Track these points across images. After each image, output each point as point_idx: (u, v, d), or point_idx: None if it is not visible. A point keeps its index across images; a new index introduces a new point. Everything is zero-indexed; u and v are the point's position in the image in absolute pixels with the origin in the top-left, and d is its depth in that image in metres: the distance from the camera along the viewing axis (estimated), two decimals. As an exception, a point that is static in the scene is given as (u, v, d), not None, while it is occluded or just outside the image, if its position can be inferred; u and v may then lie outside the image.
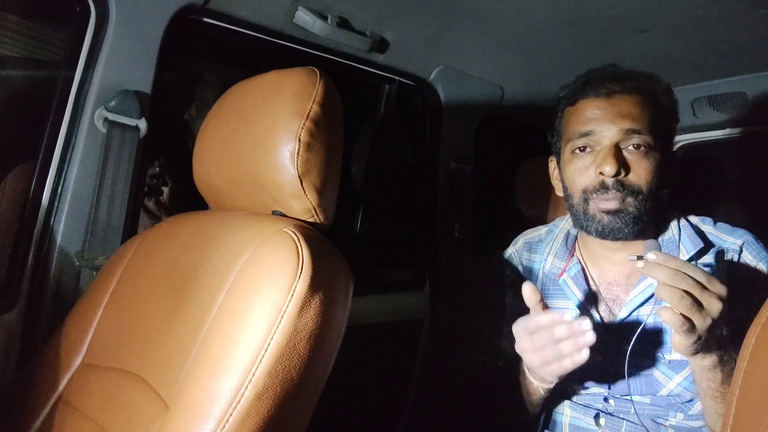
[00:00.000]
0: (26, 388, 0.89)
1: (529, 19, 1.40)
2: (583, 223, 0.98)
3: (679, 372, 0.92)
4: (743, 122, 1.81)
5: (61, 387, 0.87)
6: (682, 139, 2.02)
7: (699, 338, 0.75)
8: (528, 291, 0.83)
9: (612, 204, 0.93)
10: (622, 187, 0.93)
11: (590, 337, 0.78)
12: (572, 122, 1.00)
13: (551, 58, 1.63)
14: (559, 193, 1.09)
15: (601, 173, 0.93)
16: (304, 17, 1.29)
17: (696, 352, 0.78)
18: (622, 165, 0.92)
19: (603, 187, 0.93)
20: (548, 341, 0.81)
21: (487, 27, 1.46)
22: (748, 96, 1.71)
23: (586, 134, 0.96)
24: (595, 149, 0.96)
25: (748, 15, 1.30)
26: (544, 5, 1.31)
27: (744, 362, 0.53)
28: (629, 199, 0.93)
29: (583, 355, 0.79)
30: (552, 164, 1.12)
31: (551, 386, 0.91)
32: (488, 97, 1.79)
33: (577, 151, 0.98)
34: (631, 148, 0.94)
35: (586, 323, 0.79)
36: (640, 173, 0.93)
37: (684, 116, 1.87)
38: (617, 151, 0.93)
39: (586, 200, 0.96)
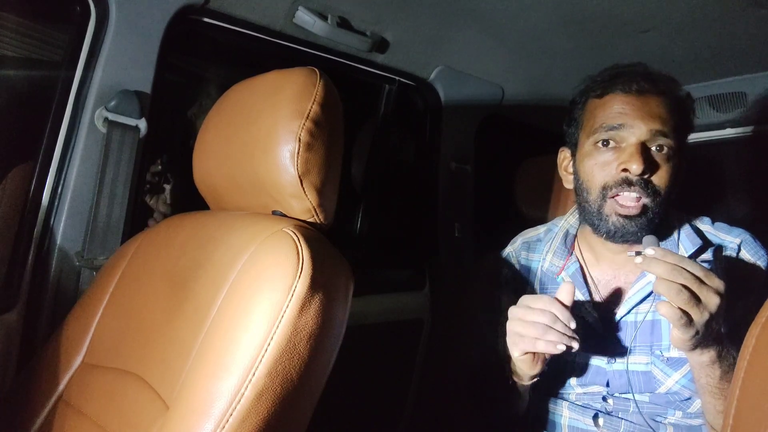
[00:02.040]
0: (26, 388, 0.89)
1: (530, 19, 1.40)
2: (594, 221, 0.97)
3: (677, 369, 0.93)
4: (743, 122, 1.81)
5: (61, 387, 0.87)
6: (682, 139, 2.02)
7: (697, 333, 0.75)
8: (565, 288, 0.85)
9: (632, 210, 0.92)
10: (646, 186, 0.92)
11: (575, 345, 0.80)
12: (599, 114, 0.98)
13: (552, 57, 1.63)
14: (568, 185, 1.07)
15: (625, 170, 0.92)
16: (304, 17, 1.29)
17: (694, 348, 0.79)
18: (649, 165, 0.91)
19: (626, 182, 0.92)
20: (541, 321, 0.81)
21: (487, 27, 1.46)
22: (749, 96, 1.71)
23: (614, 128, 0.94)
24: (620, 145, 0.94)
25: (748, 15, 1.30)
26: (545, 5, 1.31)
27: (744, 362, 0.53)
28: (648, 201, 0.92)
29: (559, 348, 0.81)
30: (563, 155, 1.09)
31: (527, 383, 0.92)
32: (489, 97, 1.79)
33: (600, 144, 0.96)
34: (654, 149, 0.93)
35: (576, 344, 0.81)
36: (663, 176, 0.93)
37: (684, 116, 1.87)
38: (645, 150, 0.92)
39: (604, 197, 0.95)
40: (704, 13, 1.30)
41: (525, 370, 0.88)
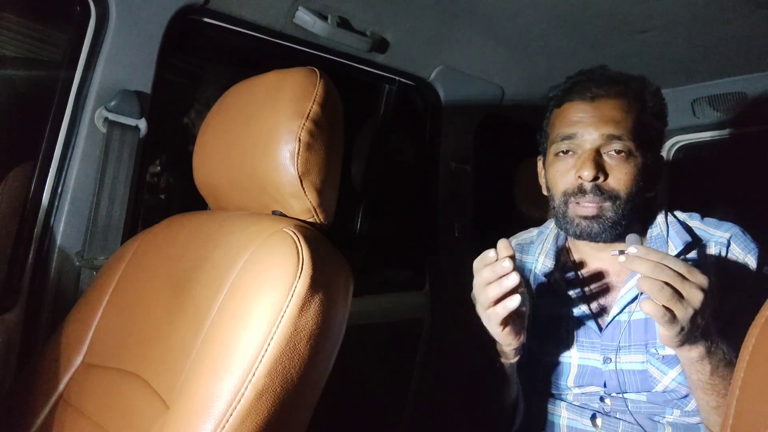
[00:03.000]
0: (26, 388, 0.89)
1: (530, 19, 1.40)
2: (562, 224, 1.00)
3: (673, 367, 0.93)
4: (743, 122, 1.81)
5: (61, 387, 0.87)
6: (682, 139, 2.03)
7: (682, 329, 0.76)
8: (501, 245, 0.83)
9: (589, 210, 0.95)
10: (600, 191, 0.94)
11: (513, 279, 0.77)
12: (557, 124, 1.01)
13: (552, 57, 1.63)
14: (545, 192, 1.11)
15: (579, 177, 0.95)
16: (304, 17, 1.29)
17: (681, 344, 0.79)
18: (601, 170, 0.94)
19: (581, 191, 0.95)
20: (482, 288, 0.80)
21: (487, 27, 1.46)
22: (748, 96, 1.72)
23: (568, 137, 0.97)
24: (577, 153, 0.97)
25: (748, 15, 1.30)
26: (545, 5, 1.31)
27: (744, 362, 0.53)
28: (607, 204, 0.94)
29: (514, 301, 0.78)
30: (539, 164, 1.13)
31: (511, 360, 0.92)
32: (488, 97, 1.79)
33: (560, 153, 0.99)
34: (612, 152, 0.95)
35: (506, 263, 0.78)
36: (620, 178, 0.94)
37: (684, 116, 1.87)
38: (596, 156, 0.94)
39: (566, 203, 0.98)
40: (704, 13, 1.30)
41: (509, 341, 0.87)
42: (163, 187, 1.59)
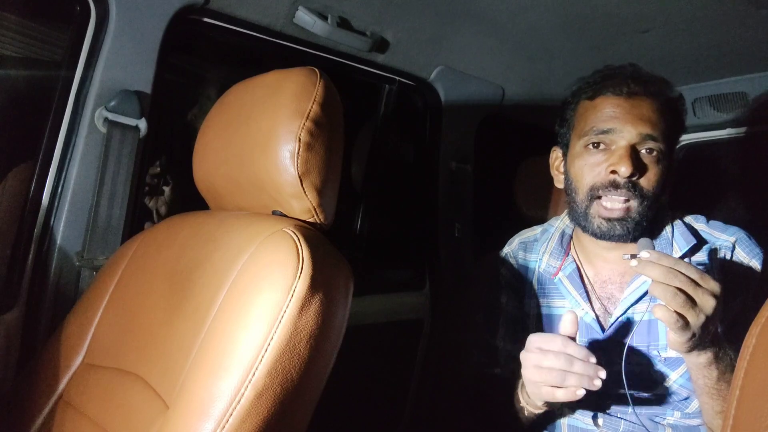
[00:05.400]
0: (26, 388, 0.89)
1: (530, 19, 1.40)
2: (581, 221, 0.99)
3: (675, 369, 0.93)
4: (744, 122, 1.81)
5: (61, 387, 0.87)
6: (682, 139, 2.02)
7: (693, 335, 0.75)
8: (567, 319, 0.81)
9: (614, 213, 0.94)
10: (633, 188, 0.93)
11: (598, 383, 0.77)
12: (590, 117, 0.99)
13: (552, 57, 1.63)
14: (559, 185, 1.09)
15: (614, 172, 0.93)
16: (304, 17, 1.29)
17: (691, 350, 0.79)
18: (637, 167, 0.93)
19: (613, 185, 0.94)
20: (558, 366, 0.78)
21: (487, 27, 1.46)
22: (749, 96, 1.72)
23: (604, 131, 0.95)
24: (611, 148, 0.96)
25: (748, 15, 1.30)
26: (545, 5, 1.31)
27: (744, 362, 0.53)
28: (634, 203, 0.93)
29: (579, 394, 0.77)
30: (555, 154, 1.11)
31: (536, 412, 0.90)
32: (489, 97, 1.79)
33: (591, 146, 0.97)
34: (644, 152, 0.94)
35: (603, 372, 0.77)
36: (651, 178, 0.94)
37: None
38: (634, 153, 0.93)
39: (591, 198, 0.96)
40: (704, 13, 1.30)
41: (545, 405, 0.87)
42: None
